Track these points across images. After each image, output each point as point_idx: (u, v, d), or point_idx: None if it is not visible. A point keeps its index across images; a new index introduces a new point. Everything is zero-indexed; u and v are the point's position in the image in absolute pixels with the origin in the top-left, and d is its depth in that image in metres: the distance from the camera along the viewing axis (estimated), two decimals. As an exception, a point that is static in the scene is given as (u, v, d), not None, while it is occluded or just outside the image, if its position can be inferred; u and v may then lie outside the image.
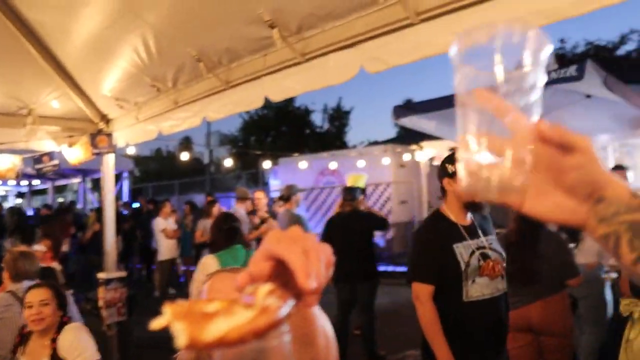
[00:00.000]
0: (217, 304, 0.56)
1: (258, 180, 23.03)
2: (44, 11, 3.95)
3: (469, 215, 2.96)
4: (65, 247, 9.97)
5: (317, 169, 14.10)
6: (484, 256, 2.84)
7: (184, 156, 14.34)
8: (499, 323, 2.90)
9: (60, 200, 24.01)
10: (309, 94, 3.67)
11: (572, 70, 6.06)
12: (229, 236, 4.31)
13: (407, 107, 9.84)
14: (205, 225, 9.06)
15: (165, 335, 0.58)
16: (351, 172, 12.60)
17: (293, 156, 16.01)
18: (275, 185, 15.40)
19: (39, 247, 6.25)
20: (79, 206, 17.26)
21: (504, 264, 2.94)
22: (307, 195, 13.35)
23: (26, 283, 3.71)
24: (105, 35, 3.90)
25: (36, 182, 18.28)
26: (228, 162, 16.85)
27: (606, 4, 2.21)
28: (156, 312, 0.56)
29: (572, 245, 4.60)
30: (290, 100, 31.09)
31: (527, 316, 3.71)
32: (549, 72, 7.01)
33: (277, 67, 3.46)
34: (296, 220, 7.11)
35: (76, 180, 17.58)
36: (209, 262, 4.07)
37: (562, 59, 14.27)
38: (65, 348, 3.10)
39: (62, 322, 3.23)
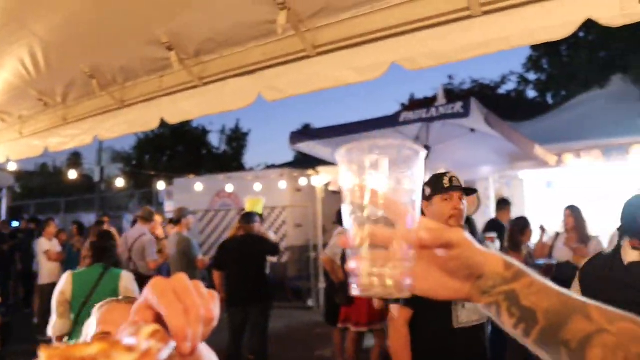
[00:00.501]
0: (96, 347, 0.55)
1: (152, 201, 22.26)
2: None
3: None
4: None
5: (213, 190, 13.89)
6: None
7: (72, 174, 13.56)
8: (484, 354, 2.84)
9: None
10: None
11: (458, 106, 6.49)
12: (95, 254, 4.34)
13: (305, 133, 10.01)
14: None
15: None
16: (248, 195, 12.53)
17: (188, 177, 15.68)
18: (170, 206, 14.98)
19: None
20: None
21: None
22: (202, 217, 13.09)
23: None
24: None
25: None
26: (120, 182, 16.16)
27: (487, 52, 2.42)
28: (34, 341, 0.54)
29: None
30: (188, 120, 30.49)
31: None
32: (438, 107, 7.52)
33: (174, 89, 3.42)
34: (185, 243, 6.98)
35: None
36: (63, 278, 4.02)
37: (450, 94, 15.19)
38: None
39: None
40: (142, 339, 0.56)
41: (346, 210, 0.74)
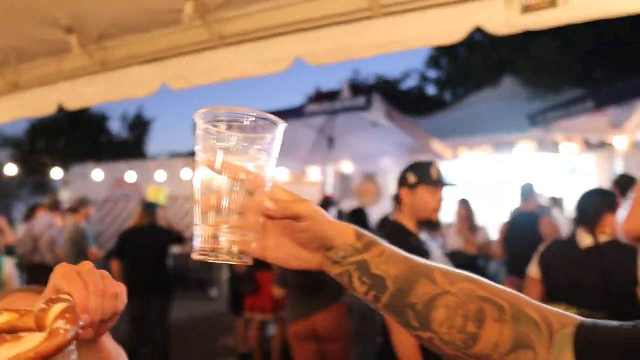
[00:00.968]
0: (6, 317, 0.59)
1: (45, 189, 21.04)
2: None
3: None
4: None
5: (112, 179, 13.39)
6: None
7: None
8: None
9: None
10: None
11: (361, 101, 6.74)
12: None
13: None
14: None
15: None
16: (150, 184, 12.21)
17: (87, 164, 14.98)
18: (66, 195, 14.25)
19: None
20: None
21: None
22: (101, 207, 12.60)
23: None
24: None
25: None
26: (11, 169, 15.14)
27: (386, 52, 2.57)
28: None
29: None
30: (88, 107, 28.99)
31: (314, 324, 3.99)
32: (342, 100, 7.72)
33: (74, 74, 3.31)
34: (80, 234, 6.75)
35: None
36: None
37: (355, 88, 15.57)
38: None
39: None
40: (50, 320, 0.61)
41: (198, 174, 0.75)
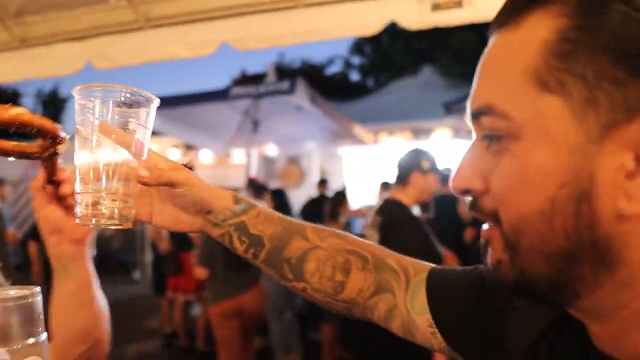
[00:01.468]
0: None
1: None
2: None
3: None
4: None
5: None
6: None
7: None
8: None
9: None
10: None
11: (285, 85, 6.86)
12: None
13: (132, 102, 9.66)
14: None
15: None
16: (65, 163, 11.74)
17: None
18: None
19: None
20: None
21: None
22: (16, 186, 12.04)
23: None
24: None
25: None
26: None
27: (308, 40, 2.72)
28: None
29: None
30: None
31: (242, 303, 4.08)
32: (267, 84, 7.79)
33: (-9, 49, 3.23)
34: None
35: None
36: None
37: (280, 72, 15.61)
38: None
39: None
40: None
41: (78, 145, 0.78)
